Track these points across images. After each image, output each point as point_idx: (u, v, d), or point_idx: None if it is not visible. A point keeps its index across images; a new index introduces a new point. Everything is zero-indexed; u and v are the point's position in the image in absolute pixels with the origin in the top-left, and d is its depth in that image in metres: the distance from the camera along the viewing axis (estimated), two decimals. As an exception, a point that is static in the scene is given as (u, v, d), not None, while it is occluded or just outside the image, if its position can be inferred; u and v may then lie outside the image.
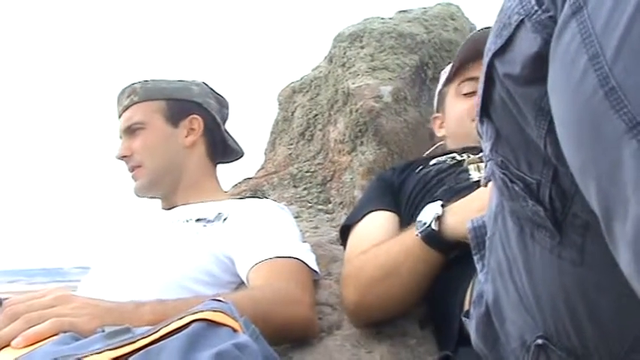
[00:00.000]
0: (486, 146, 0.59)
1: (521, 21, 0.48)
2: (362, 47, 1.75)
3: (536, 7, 0.47)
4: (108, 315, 0.81)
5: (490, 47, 0.52)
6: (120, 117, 1.42)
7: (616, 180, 0.39)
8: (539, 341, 0.63)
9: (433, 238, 0.97)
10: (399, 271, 1.01)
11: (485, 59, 0.53)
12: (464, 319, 0.85)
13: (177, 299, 0.92)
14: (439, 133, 1.43)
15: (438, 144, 1.48)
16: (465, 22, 1.95)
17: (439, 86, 1.46)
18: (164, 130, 1.39)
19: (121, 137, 1.42)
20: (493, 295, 0.71)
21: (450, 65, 1.39)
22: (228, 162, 1.54)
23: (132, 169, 1.39)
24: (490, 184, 0.67)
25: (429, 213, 0.98)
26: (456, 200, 0.99)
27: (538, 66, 0.46)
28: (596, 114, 0.40)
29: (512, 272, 0.65)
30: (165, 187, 1.40)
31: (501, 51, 0.50)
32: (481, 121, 0.59)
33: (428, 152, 1.48)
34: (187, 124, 1.41)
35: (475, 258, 0.75)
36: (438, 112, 1.45)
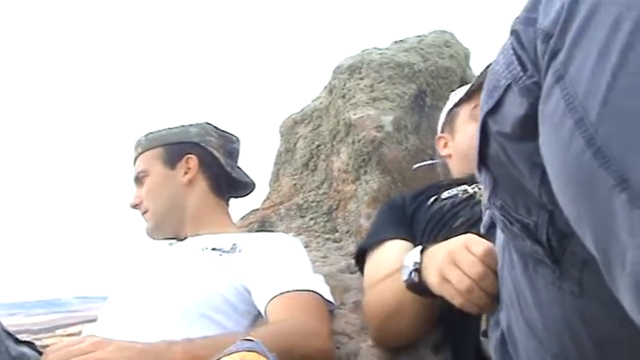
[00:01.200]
0: (485, 195, 0.64)
1: (509, 85, 0.53)
2: (361, 78, 1.81)
3: (521, 73, 0.51)
4: (143, 357, 0.85)
5: (482, 106, 0.57)
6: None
7: (611, 229, 0.43)
8: None
9: (417, 289, 0.94)
10: (401, 312, 1.05)
11: (480, 116, 0.58)
12: (482, 338, 0.89)
13: (205, 337, 0.96)
14: (443, 152, 1.46)
15: (435, 162, 1.52)
16: (459, 47, 2.01)
17: (449, 106, 1.47)
18: (163, 174, 1.49)
19: None
20: (506, 323, 0.75)
21: (465, 87, 1.42)
22: (240, 196, 1.61)
23: (143, 214, 1.50)
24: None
25: (409, 262, 0.95)
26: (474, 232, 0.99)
27: (528, 125, 0.51)
28: (586, 172, 0.44)
29: (520, 302, 0.69)
30: (172, 225, 1.48)
31: (493, 111, 0.55)
32: (479, 170, 0.64)
33: (417, 166, 1.51)
34: (184, 164, 1.50)
35: None
36: (442, 132, 1.48)
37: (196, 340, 0.94)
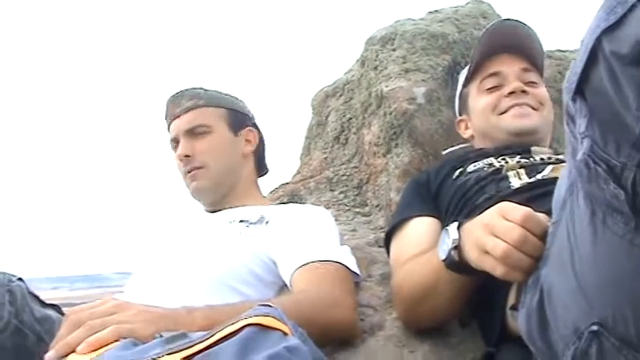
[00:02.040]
0: (581, 123, 0.59)
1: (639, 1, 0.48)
2: (394, 50, 1.77)
3: None
4: (162, 321, 0.85)
5: (599, 24, 0.52)
6: (175, 118, 1.46)
7: None
8: (594, 327, 0.63)
9: (457, 267, 0.91)
10: (435, 291, 1.01)
11: (591, 36, 0.53)
12: (510, 311, 0.86)
13: (226, 304, 0.96)
14: (465, 134, 1.44)
15: (462, 145, 1.49)
16: (496, 19, 1.95)
17: (459, 89, 1.47)
18: (228, 137, 1.46)
19: (175, 138, 1.46)
20: (549, 281, 0.72)
21: (468, 66, 1.40)
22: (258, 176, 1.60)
23: (191, 170, 1.43)
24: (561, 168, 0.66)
25: (447, 239, 0.92)
26: None
27: None
28: None
29: (574, 257, 0.65)
30: (222, 191, 1.44)
31: (612, 28, 0.51)
32: (573, 100, 0.59)
33: (448, 151, 1.49)
34: (245, 134, 1.50)
35: None
36: (460, 115, 1.47)
37: (217, 306, 0.94)
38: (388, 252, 1.24)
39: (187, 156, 1.42)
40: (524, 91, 1.29)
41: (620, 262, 0.59)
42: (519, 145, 1.24)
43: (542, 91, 1.33)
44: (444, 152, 1.51)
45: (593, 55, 0.53)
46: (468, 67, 1.42)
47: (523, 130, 1.26)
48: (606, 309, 0.62)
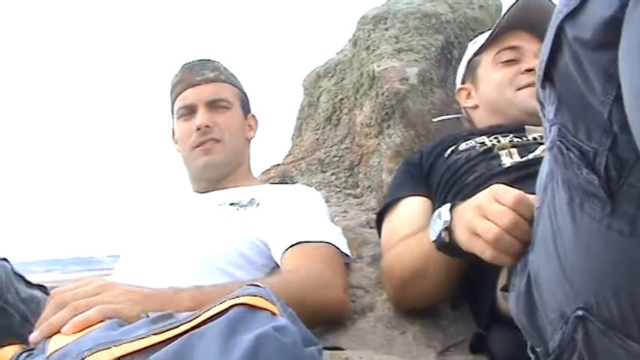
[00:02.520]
0: (550, 110, 0.58)
1: None
2: (386, 29, 1.75)
3: None
4: (148, 301, 0.83)
5: (561, 9, 0.51)
6: (193, 86, 1.40)
7: None
8: (579, 312, 0.63)
9: (447, 249, 0.89)
10: (425, 274, 1.00)
11: (555, 22, 0.52)
12: (501, 293, 0.85)
13: (214, 285, 0.95)
14: (466, 103, 1.40)
15: (456, 116, 1.47)
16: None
17: (468, 55, 1.42)
18: (241, 118, 1.45)
19: (191, 107, 1.39)
20: (536, 265, 0.71)
21: (485, 35, 1.36)
22: None
23: (207, 141, 1.37)
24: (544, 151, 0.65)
25: (439, 220, 0.90)
26: (489, 185, 0.89)
27: (612, 30, 0.46)
28: None
29: (557, 242, 0.65)
30: (228, 170, 1.41)
31: (574, 13, 0.50)
32: (543, 87, 0.58)
33: (438, 119, 1.47)
34: (249, 119, 1.48)
35: None
36: (463, 83, 1.43)
37: (205, 287, 0.92)
38: (379, 233, 1.23)
39: (208, 127, 1.36)
40: None
41: (599, 246, 0.58)
42: (519, 123, 1.21)
43: None
44: (434, 120, 1.49)
45: (558, 41, 0.53)
46: (482, 35, 1.38)
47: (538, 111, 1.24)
48: (589, 294, 0.61)
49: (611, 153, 0.52)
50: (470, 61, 1.40)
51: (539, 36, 1.30)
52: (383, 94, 1.61)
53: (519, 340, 0.80)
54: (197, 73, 1.41)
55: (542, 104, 0.60)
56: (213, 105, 1.39)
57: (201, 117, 1.36)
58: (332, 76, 1.94)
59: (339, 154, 1.79)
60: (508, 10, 1.32)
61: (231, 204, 1.29)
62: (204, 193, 1.41)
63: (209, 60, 1.46)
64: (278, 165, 1.91)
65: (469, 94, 1.39)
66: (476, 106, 1.37)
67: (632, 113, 0.45)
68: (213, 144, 1.37)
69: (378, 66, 1.66)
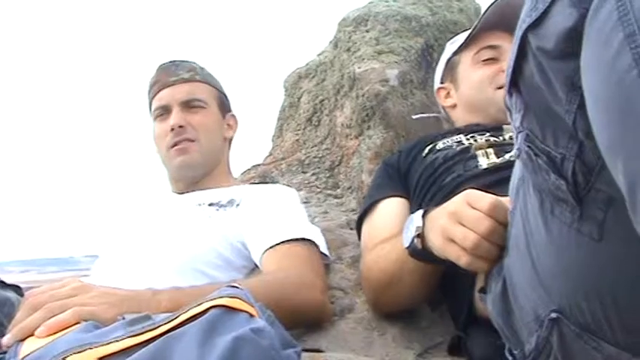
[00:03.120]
0: (516, 118, 0.59)
1: None
2: (367, 31, 1.76)
3: None
4: (126, 303, 0.82)
5: (524, 19, 0.52)
6: (168, 86, 1.40)
7: None
8: (553, 315, 0.64)
9: (420, 255, 0.89)
10: (401, 278, 1.00)
11: (519, 32, 0.53)
12: (479, 294, 0.85)
13: (193, 286, 0.94)
14: (445, 102, 1.41)
15: (437, 115, 1.47)
16: (469, 1, 1.95)
17: (447, 55, 1.42)
18: (217, 117, 1.43)
19: (166, 107, 1.39)
20: (510, 270, 0.72)
21: (463, 34, 1.37)
22: None
23: (182, 141, 1.36)
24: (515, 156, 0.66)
25: (411, 227, 0.90)
26: (466, 188, 0.89)
27: (573, 40, 0.47)
28: (628, 92, 0.41)
29: (530, 246, 0.65)
30: (204, 170, 1.40)
31: (536, 24, 0.50)
32: (509, 94, 0.59)
33: (417, 116, 1.47)
34: (228, 119, 1.47)
35: None
36: (442, 82, 1.43)
37: (183, 288, 0.91)
38: (359, 236, 1.23)
39: (181, 127, 1.36)
40: None
41: (570, 250, 0.59)
42: (498, 122, 1.21)
43: None
44: (413, 117, 1.49)
45: (522, 50, 0.54)
46: (461, 35, 1.39)
47: None
48: (562, 297, 0.62)
49: (577, 159, 0.53)
50: (449, 60, 1.41)
51: None
52: (363, 95, 1.61)
53: (497, 342, 0.80)
54: (172, 73, 1.41)
55: (509, 111, 0.61)
56: (188, 105, 1.38)
57: (175, 117, 1.36)
58: (313, 77, 1.94)
59: (320, 155, 1.79)
60: (487, 10, 1.32)
61: (211, 204, 1.28)
62: (183, 193, 1.40)
63: (185, 60, 1.45)
64: (258, 165, 1.90)
65: (448, 93, 1.40)
66: (455, 105, 1.38)
67: (594, 122, 0.46)
68: (187, 144, 1.36)
69: (359, 67, 1.66)
